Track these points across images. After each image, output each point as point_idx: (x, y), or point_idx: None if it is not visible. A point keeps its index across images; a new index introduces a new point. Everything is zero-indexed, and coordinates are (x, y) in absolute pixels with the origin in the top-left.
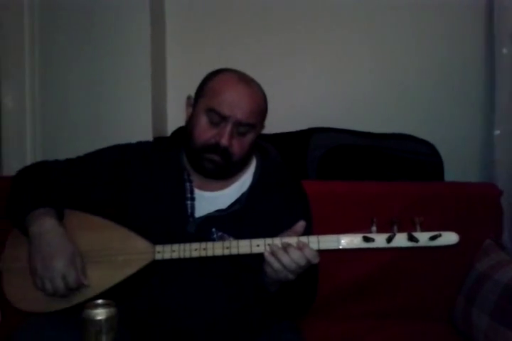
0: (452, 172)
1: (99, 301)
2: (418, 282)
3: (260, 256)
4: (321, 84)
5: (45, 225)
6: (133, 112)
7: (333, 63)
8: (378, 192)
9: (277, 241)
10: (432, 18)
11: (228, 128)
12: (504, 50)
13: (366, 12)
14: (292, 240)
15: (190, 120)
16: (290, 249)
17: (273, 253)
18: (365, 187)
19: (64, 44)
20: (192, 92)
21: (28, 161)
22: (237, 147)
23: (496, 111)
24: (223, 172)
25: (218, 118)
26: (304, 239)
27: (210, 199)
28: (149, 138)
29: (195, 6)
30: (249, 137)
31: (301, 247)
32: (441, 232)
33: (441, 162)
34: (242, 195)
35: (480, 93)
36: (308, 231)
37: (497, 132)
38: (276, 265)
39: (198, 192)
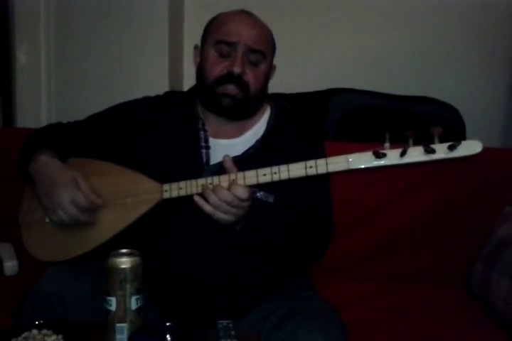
0: (474, 138)
1: (124, 250)
2: (436, 246)
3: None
4: (343, 44)
5: (41, 160)
6: (149, 69)
7: (357, 24)
8: None
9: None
10: None
11: (239, 54)
12: None
13: None
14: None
15: (200, 64)
16: (217, 189)
17: (202, 196)
18: None
19: None
20: None
21: (43, 115)
22: (252, 76)
23: None
24: (241, 108)
25: (227, 48)
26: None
27: (225, 147)
28: None
29: None
30: (262, 68)
31: (229, 186)
32: (462, 141)
33: (463, 127)
34: (257, 141)
35: (507, 58)
36: (324, 183)
37: None
38: (206, 208)
39: (212, 141)
